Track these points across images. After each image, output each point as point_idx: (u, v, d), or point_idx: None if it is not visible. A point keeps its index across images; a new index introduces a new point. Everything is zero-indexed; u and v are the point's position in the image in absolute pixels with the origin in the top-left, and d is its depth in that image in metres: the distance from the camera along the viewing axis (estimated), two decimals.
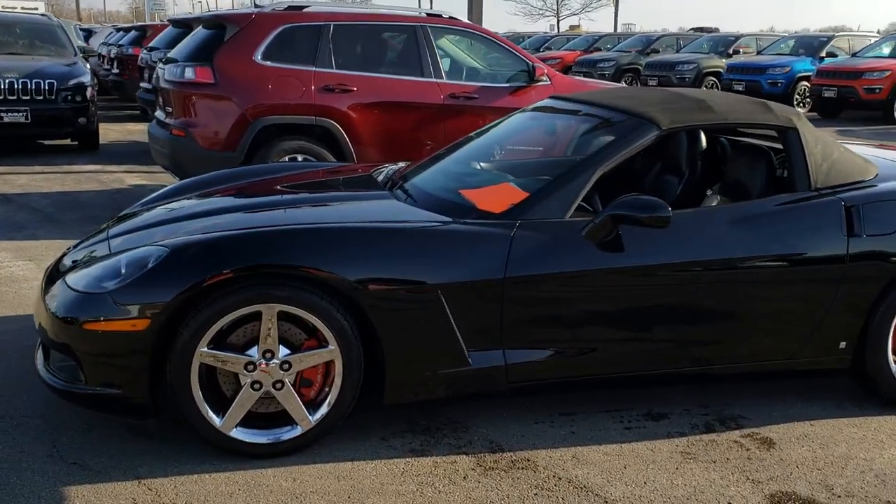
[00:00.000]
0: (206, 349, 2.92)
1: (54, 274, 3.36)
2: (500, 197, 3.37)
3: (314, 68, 6.44)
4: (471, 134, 4.45)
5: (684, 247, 3.23)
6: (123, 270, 2.98)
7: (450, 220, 3.21)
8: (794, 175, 3.51)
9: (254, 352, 2.97)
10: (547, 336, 3.18)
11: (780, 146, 3.70)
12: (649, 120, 3.42)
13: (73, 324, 2.92)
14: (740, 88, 17.16)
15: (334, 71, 6.49)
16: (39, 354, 3.29)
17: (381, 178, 4.01)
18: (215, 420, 2.99)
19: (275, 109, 6.31)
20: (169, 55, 6.84)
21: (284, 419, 3.07)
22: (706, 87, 18.22)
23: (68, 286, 3.08)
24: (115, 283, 2.94)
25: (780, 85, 16.98)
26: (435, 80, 6.77)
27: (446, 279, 3.04)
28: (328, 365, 3.06)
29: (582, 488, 2.93)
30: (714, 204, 3.88)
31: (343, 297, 2.99)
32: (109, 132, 11.91)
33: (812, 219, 3.37)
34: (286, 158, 6.41)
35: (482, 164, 4.01)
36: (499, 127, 4.34)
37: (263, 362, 2.98)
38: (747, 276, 3.30)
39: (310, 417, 3.06)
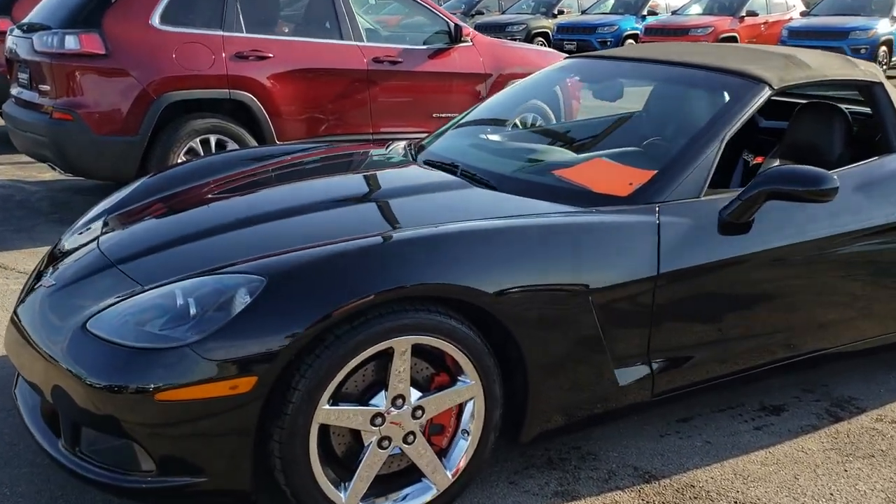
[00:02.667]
0: (328, 406, 2.19)
1: (38, 307, 2.45)
2: (613, 176, 2.84)
3: (222, 32, 5.47)
4: (490, 99, 3.85)
5: (832, 219, 2.87)
6: (194, 311, 2.15)
7: (577, 209, 2.64)
8: (888, 133, 3.24)
9: (379, 400, 2.27)
10: (693, 336, 2.70)
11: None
12: (758, 79, 3.00)
13: (136, 393, 2.07)
14: (572, 48, 17.41)
15: (245, 35, 5.55)
16: (38, 428, 2.38)
17: (409, 158, 3.32)
18: (340, 497, 2.26)
19: (182, 83, 5.30)
20: (31, 20, 5.55)
21: (404, 480, 2.40)
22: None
23: (99, 336, 2.20)
24: (192, 330, 2.11)
25: (609, 44, 17.39)
26: (356, 43, 6.00)
27: (597, 282, 2.47)
28: (460, 406, 2.41)
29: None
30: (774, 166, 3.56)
31: (479, 318, 2.35)
32: None
33: None
34: (197, 141, 5.44)
35: (541, 134, 3.42)
36: (530, 89, 3.76)
37: (393, 411, 2.28)
38: (880, 244, 3.00)
39: (447, 473, 2.40)
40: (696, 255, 2.63)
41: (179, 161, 5.38)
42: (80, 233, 2.99)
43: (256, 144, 5.62)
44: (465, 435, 2.42)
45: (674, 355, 2.69)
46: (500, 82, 6.62)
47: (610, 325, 2.51)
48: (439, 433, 2.42)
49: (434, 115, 6.39)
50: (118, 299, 2.31)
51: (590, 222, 2.53)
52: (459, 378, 2.36)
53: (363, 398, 2.27)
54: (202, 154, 5.47)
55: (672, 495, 2.58)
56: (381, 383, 2.28)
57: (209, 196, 3.04)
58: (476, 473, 2.46)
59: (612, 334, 2.52)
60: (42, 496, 2.49)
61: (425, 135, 3.76)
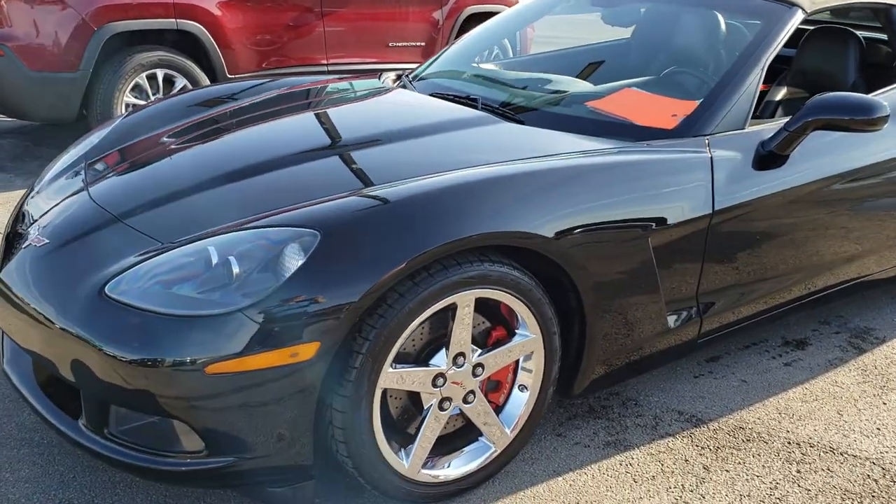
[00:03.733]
0: (391, 369, 1.98)
1: (31, 269, 2.15)
2: (652, 108, 2.66)
3: None
4: (479, 29, 3.61)
5: (864, 147, 2.79)
6: (237, 270, 1.89)
7: (626, 144, 2.45)
8: None
9: (439, 360, 2.07)
10: (738, 275, 2.59)
11: None
12: (790, 2, 2.85)
13: (179, 366, 1.81)
14: None
15: None
16: (46, 407, 2.10)
17: (412, 91, 3.06)
18: (402, 464, 2.08)
19: (125, 12, 4.82)
20: None
21: (460, 441, 2.24)
22: None
23: (122, 302, 1.92)
24: (240, 293, 1.85)
25: None
26: None
27: (655, 221, 2.32)
28: (516, 361, 2.24)
29: (831, 451, 2.46)
30: (781, 96, 3.45)
31: (539, 265, 2.17)
32: None
33: None
34: (143, 76, 4.99)
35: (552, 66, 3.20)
36: (523, 17, 3.52)
37: (454, 369, 2.10)
38: None
39: (506, 430, 2.24)
40: (746, 190, 2.50)
41: (126, 100, 4.94)
42: (58, 182, 2.65)
43: (206, 79, 5.22)
44: (523, 389, 2.26)
45: (719, 296, 2.57)
46: (457, 8, 6.33)
47: (665, 265, 2.37)
48: (496, 390, 2.25)
49: (390, 45, 6.08)
50: (140, 259, 2.03)
51: (647, 159, 2.35)
52: (518, 332, 2.19)
53: (421, 358, 2.08)
54: (150, 92, 5.04)
55: (725, 439, 2.50)
56: (436, 342, 2.09)
57: (208, 137, 2.71)
58: (534, 429, 2.31)
59: (666, 275, 2.38)
60: (51, 479, 2.22)
61: (402, 67, 3.48)
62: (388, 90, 3.16)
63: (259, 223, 2.01)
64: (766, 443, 2.49)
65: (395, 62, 6.05)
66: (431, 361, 2.07)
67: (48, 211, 2.43)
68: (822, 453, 2.45)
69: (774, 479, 2.32)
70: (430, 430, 2.11)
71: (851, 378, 2.87)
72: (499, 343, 2.18)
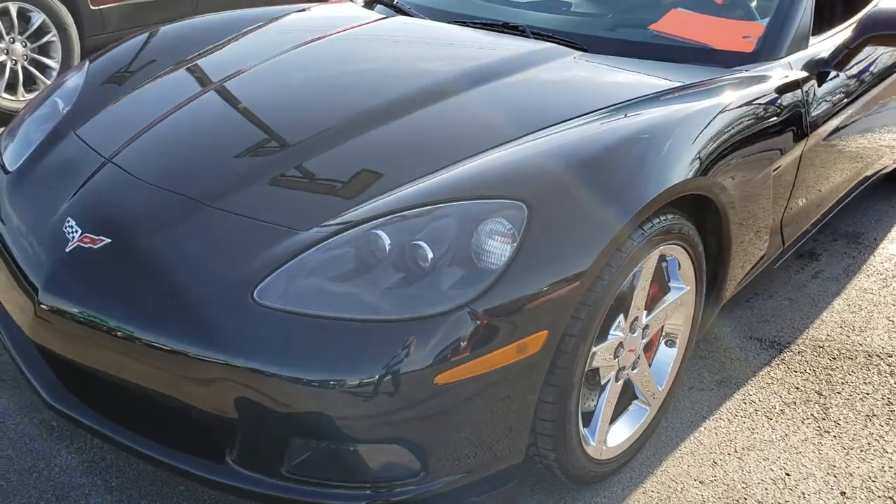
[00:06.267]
0: (594, 347, 1.76)
1: (100, 278, 1.69)
2: (719, 30, 2.52)
3: None
4: None
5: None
6: (431, 254, 1.56)
7: (726, 71, 2.30)
8: None
9: (618, 329, 1.87)
10: (807, 199, 2.59)
11: None
12: None
13: (398, 382, 1.48)
14: None
15: None
16: (166, 453, 1.68)
17: (426, 19, 2.70)
18: (593, 448, 1.88)
19: None
20: None
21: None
22: None
23: (295, 312, 1.53)
24: (448, 284, 1.53)
25: None
26: None
27: (777, 154, 2.23)
28: None
29: (879, 356, 2.57)
30: None
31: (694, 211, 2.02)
32: None
33: None
34: None
35: None
36: None
37: (630, 336, 1.91)
38: None
39: (659, 388, 2.11)
40: (822, 110, 2.47)
41: None
42: (50, 159, 2.09)
43: (69, 13, 4.39)
44: (671, 344, 2.13)
45: (797, 216, 2.56)
46: None
47: (776, 192, 2.30)
48: (647, 349, 2.10)
49: None
50: (284, 253, 1.62)
51: (760, 89, 2.22)
52: (672, 286, 2.03)
53: (601, 331, 1.87)
54: (2, 30, 4.16)
55: (815, 361, 2.53)
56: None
57: (242, 88, 2.23)
58: (681, 382, 2.20)
59: (776, 202, 2.32)
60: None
61: None
62: (382, 19, 2.74)
63: (427, 199, 1.67)
64: (852, 359, 2.55)
65: None
66: (610, 332, 1.87)
67: (72, 198, 1.91)
68: (877, 361, 2.54)
69: (884, 395, 2.38)
70: (609, 405, 1.93)
71: (874, 283, 3.00)
72: (655, 301, 2.01)
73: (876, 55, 2.83)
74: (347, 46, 2.51)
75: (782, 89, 2.29)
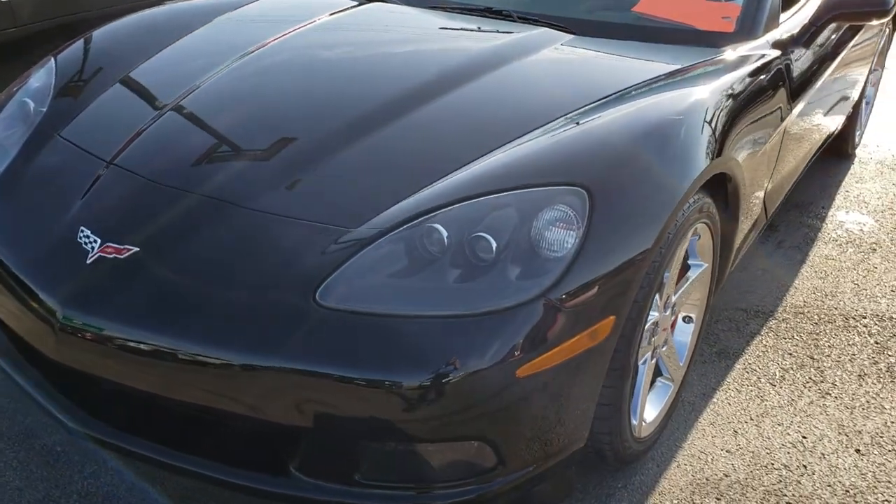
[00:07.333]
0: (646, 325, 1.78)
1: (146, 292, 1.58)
2: (698, 10, 2.57)
3: None
4: None
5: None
6: (495, 245, 1.53)
7: (713, 51, 2.35)
8: None
9: (654, 309, 1.90)
10: (784, 164, 2.69)
11: None
12: None
13: (481, 377, 1.45)
14: None
15: None
16: (203, 465, 1.60)
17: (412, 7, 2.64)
18: (633, 420, 1.90)
19: None
20: None
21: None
22: None
23: (362, 312, 1.48)
24: (516, 273, 1.50)
25: None
26: None
27: (770, 130, 2.31)
28: None
29: (878, 318, 2.71)
30: None
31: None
32: None
33: None
34: None
35: None
36: None
37: (663, 315, 1.94)
38: None
39: (680, 363, 2.15)
40: (797, 86, 2.57)
41: None
42: (37, 164, 1.94)
43: None
44: (689, 321, 2.17)
45: (775, 191, 2.67)
46: None
47: (767, 167, 2.39)
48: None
49: None
50: (339, 252, 1.56)
51: (751, 69, 2.28)
52: (691, 263, 2.07)
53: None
54: None
55: (799, 326, 2.64)
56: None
57: (236, 79, 2.13)
58: (696, 357, 2.25)
59: (765, 175, 2.41)
60: None
61: None
62: (354, 7, 2.67)
63: (479, 189, 1.63)
64: (831, 322, 2.68)
65: None
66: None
67: (79, 206, 1.78)
68: (875, 321, 2.69)
69: (868, 354, 2.52)
70: (646, 383, 1.96)
71: (832, 250, 3.16)
72: (679, 279, 2.05)
73: (826, 33, 2.96)
74: (340, 34, 2.43)
75: (768, 68, 2.36)
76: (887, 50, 4.16)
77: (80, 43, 2.39)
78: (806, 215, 3.44)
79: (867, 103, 4.17)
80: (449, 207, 1.60)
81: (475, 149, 1.76)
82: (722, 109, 2.02)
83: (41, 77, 2.25)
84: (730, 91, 2.09)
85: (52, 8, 4.39)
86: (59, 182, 1.88)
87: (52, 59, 2.31)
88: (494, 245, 1.54)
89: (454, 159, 1.74)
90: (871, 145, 4.29)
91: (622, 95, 1.97)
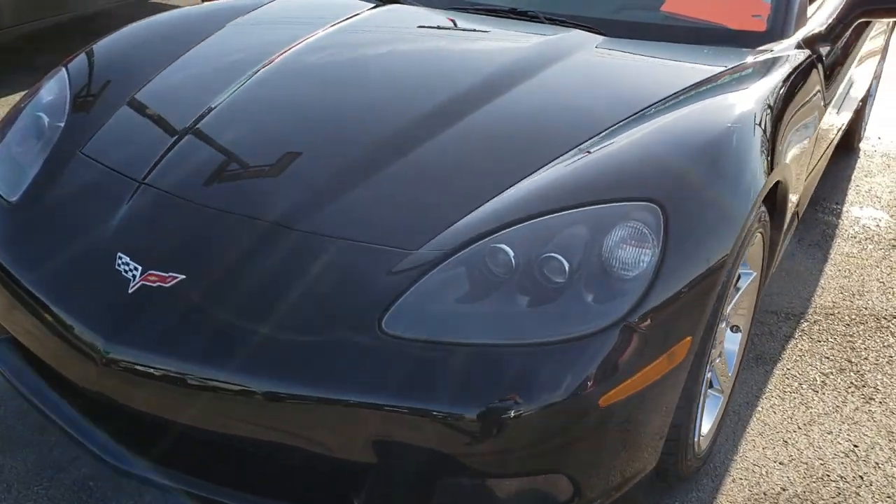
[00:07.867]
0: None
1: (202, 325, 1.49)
2: (727, 9, 2.52)
3: None
4: None
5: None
6: (568, 266, 1.46)
7: (749, 52, 2.29)
8: None
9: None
10: (816, 164, 2.65)
11: None
12: None
13: (562, 407, 1.38)
14: None
15: None
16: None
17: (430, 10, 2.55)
18: (695, 437, 1.85)
19: None
20: None
21: None
22: None
23: (432, 341, 1.40)
24: (590, 297, 1.43)
25: None
26: None
27: (810, 131, 2.26)
28: None
29: (886, 319, 2.69)
30: None
31: None
32: None
33: None
34: None
35: None
36: None
37: (720, 326, 1.88)
38: None
39: (729, 374, 2.10)
40: (829, 86, 2.53)
41: None
42: (58, 189, 1.83)
43: None
44: (736, 330, 2.12)
45: (806, 191, 2.62)
46: None
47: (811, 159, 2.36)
48: None
49: None
50: (402, 277, 1.47)
51: (790, 69, 2.22)
52: (741, 272, 2.02)
53: None
54: None
55: (832, 328, 2.61)
56: None
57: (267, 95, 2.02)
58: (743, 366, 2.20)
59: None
60: None
61: None
62: (372, 8, 2.57)
63: (544, 206, 1.55)
64: (863, 324, 2.65)
65: None
66: None
67: (114, 231, 1.67)
68: None
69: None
70: (703, 397, 1.90)
71: (853, 247, 3.14)
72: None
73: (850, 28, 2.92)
74: (364, 37, 2.33)
75: (805, 68, 2.31)
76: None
77: (90, 52, 2.27)
78: (821, 211, 3.41)
79: (871, 96, 4.16)
80: (515, 227, 1.52)
81: (528, 162, 1.69)
82: (774, 114, 1.97)
83: (53, 89, 2.13)
84: (778, 94, 2.04)
85: (35, 10, 4.23)
86: (86, 203, 1.77)
87: (64, 70, 2.19)
88: (567, 266, 1.46)
89: (508, 173, 1.66)
90: (872, 137, 4.28)
91: (670, 103, 1.90)
